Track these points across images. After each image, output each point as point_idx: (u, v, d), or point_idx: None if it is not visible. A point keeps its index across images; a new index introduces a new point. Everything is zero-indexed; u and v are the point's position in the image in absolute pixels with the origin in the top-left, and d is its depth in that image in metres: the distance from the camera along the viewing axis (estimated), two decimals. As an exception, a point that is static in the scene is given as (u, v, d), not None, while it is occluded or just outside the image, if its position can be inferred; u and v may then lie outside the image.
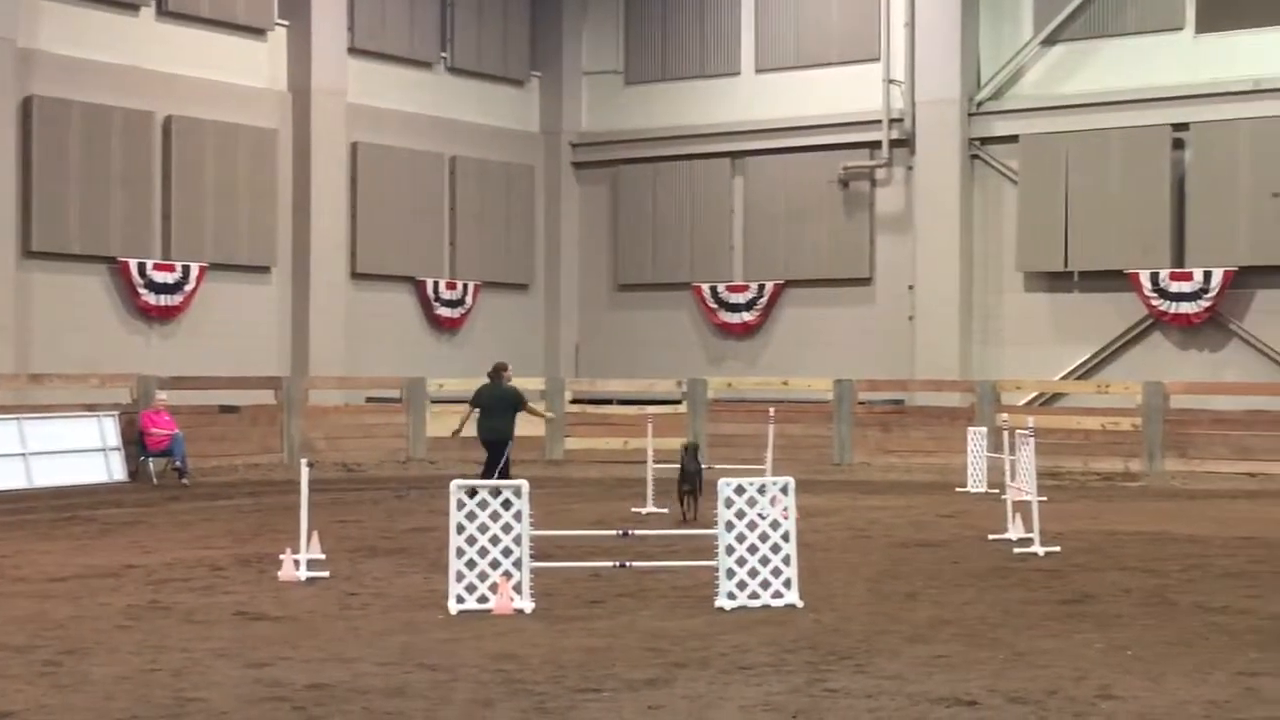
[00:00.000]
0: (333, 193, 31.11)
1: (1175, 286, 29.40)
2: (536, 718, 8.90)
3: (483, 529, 12.64)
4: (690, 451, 19.63)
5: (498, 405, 20.80)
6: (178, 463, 25.31)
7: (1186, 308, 29.36)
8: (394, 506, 21.88)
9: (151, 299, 28.41)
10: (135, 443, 25.56)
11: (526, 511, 12.68)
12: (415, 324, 33.17)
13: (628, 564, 14.18)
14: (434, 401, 29.41)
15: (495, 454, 20.50)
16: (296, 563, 14.50)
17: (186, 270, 28.83)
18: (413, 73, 33.41)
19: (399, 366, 30.70)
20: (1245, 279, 29.08)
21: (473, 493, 12.76)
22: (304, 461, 15.19)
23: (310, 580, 14.28)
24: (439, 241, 33.67)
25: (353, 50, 31.74)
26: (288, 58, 30.74)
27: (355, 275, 31.85)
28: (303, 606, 12.90)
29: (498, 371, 21.27)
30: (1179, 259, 29.60)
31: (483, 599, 12.55)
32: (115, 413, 25.75)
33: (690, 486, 19.21)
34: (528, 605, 12.54)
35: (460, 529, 12.63)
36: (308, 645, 11.12)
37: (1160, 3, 30.15)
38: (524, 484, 12.81)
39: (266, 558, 15.54)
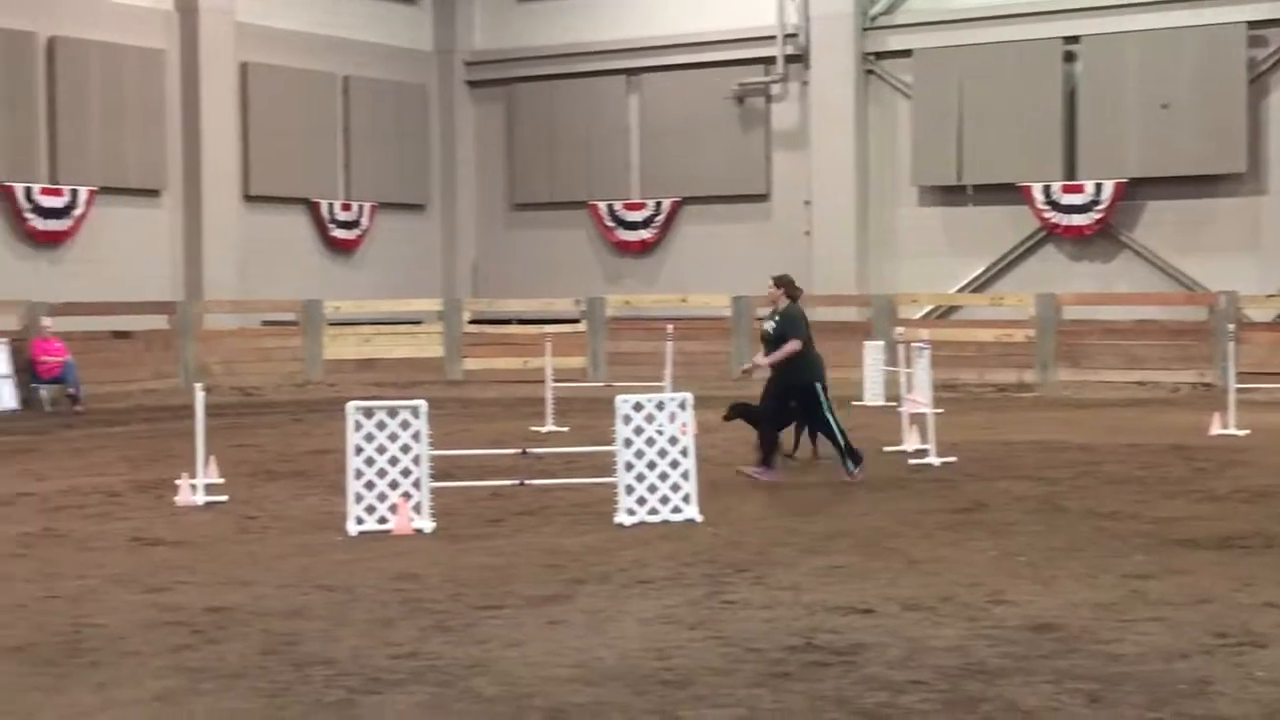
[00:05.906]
0: (223, 114, 30.57)
1: (1067, 199, 29.69)
2: (436, 635, 8.92)
3: (381, 450, 12.60)
4: None
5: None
6: (71, 390, 24.99)
7: (1078, 220, 29.67)
8: (291, 429, 21.72)
9: (39, 224, 27.92)
10: (26, 370, 25.19)
11: (425, 432, 12.66)
12: (311, 246, 32.83)
13: (527, 482, 14.22)
14: (331, 324, 29.26)
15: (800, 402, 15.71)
16: (194, 487, 14.40)
17: (75, 194, 28.34)
18: (303, -10, 32.95)
19: (295, 289, 30.34)
20: (1135, 191, 29.42)
21: (369, 413, 12.69)
22: (198, 386, 15.07)
23: (208, 505, 14.18)
24: (333, 163, 33.28)
25: (240, -32, 31.21)
26: (174, -25, 30.22)
27: (248, 198, 31.43)
28: (200, 531, 12.82)
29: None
30: (1070, 171, 29.88)
31: (382, 520, 12.54)
32: (4, 340, 25.32)
33: None
34: (427, 525, 12.54)
35: (358, 450, 12.59)
36: (206, 569, 11.07)
37: (1052, -85, 30.26)
38: (422, 404, 12.77)
39: (163, 483, 15.41)
